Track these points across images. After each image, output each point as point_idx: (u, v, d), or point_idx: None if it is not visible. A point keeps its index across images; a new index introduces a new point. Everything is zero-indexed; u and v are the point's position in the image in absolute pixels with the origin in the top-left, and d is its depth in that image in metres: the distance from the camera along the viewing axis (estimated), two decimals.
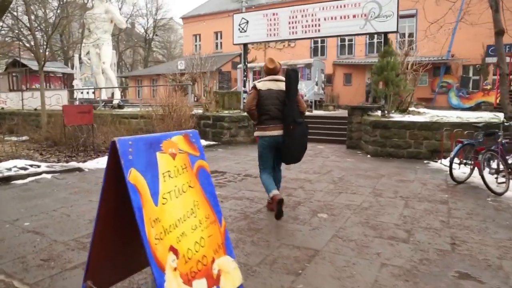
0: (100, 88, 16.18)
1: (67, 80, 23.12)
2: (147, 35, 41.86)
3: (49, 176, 6.71)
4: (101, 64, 16.46)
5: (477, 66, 21.78)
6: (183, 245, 2.17)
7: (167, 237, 2.08)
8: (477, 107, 20.39)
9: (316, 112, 16.93)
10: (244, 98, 12.70)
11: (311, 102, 19.84)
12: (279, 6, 11.97)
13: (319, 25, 10.78)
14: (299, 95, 4.41)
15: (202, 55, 15.33)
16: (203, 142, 10.92)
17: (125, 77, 37.05)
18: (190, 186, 2.36)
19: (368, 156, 9.33)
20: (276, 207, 4.15)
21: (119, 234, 2.41)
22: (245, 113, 12.03)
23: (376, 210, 4.76)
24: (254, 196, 5.42)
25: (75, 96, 19.30)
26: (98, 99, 17.55)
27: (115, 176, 2.14)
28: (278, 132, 4.29)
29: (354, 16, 10.24)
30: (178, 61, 25.60)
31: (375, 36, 24.66)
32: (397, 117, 9.91)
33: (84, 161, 8.20)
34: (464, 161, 6.27)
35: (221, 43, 29.25)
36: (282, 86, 4.33)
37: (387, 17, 9.81)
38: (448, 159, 6.22)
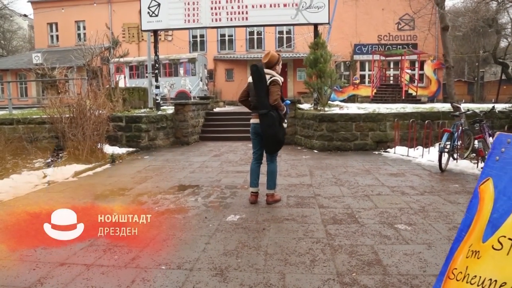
0: None
1: None
2: None
3: None
4: None
5: (347, 62, 24.18)
6: None
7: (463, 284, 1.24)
8: (349, 100, 22.56)
9: (217, 109, 15.87)
10: (156, 95, 10.86)
11: (199, 98, 18.56)
12: None
13: (246, 12, 9.82)
14: (272, 87, 4.34)
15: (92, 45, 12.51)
16: (118, 150, 8.80)
17: None
18: None
19: (315, 151, 8.93)
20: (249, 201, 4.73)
21: None
22: (162, 112, 10.35)
23: (435, 215, 4.24)
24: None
25: None
26: None
27: None
28: (256, 121, 4.50)
29: (285, 5, 9.64)
30: (33, 54, 21.07)
31: (255, 31, 24.98)
32: (334, 110, 9.82)
33: None
34: (446, 149, 6.37)
35: (84, 34, 25.20)
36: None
37: (318, 8, 9.53)
38: (437, 147, 6.23)
